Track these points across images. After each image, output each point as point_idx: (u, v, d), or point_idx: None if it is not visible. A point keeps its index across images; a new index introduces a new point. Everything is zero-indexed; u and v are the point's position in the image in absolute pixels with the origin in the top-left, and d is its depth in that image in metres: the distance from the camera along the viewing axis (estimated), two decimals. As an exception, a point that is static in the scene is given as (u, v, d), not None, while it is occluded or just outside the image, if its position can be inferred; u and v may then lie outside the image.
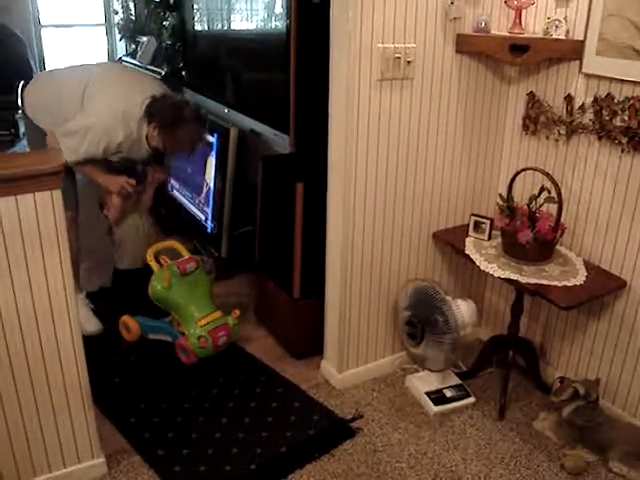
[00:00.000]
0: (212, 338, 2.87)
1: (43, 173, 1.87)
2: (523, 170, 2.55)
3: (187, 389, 2.79)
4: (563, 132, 2.59)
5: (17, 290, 1.95)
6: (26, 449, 2.13)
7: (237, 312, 3.02)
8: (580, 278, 2.44)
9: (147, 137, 2.90)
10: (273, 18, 3.02)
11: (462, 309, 2.59)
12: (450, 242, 2.78)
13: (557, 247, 2.57)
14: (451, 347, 2.60)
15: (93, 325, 3.16)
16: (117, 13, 6.73)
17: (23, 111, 3.06)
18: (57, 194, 1.93)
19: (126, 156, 2.98)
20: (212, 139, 3.46)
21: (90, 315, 3.20)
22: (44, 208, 1.91)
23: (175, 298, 2.95)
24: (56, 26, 7.63)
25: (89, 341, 2.94)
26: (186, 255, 3.09)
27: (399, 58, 2.41)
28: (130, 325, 3.09)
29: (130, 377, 2.87)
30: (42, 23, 7.47)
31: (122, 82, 3.03)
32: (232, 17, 3.57)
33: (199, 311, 2.95)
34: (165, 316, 3.11)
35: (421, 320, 2.65)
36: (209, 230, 3.57)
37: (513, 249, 2.51)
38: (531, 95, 2.68)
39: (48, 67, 7.58)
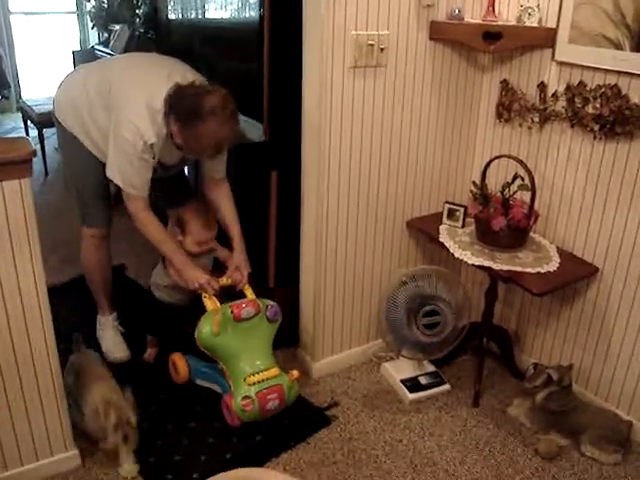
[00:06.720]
0: (259, 401, 2.38)
1: (10, 161, 1.84)
2: (497, 157, 2.56)
3: (162, 379, 2.76)
4: (536, 119, 2.61)
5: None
6: (-3, 442, 2.11)
7: (295, 373, 2.49)
8: (553, 265, 2.46)
9: (172, 134, 2.39)
10: (247, 6, 2.99)
11: None
12: (424, 229, 2.79)
13: (530, 234, 2.59)
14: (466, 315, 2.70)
15: (121, 352, 2.88)
16: (89, 1, 6.62)
17: (55, 117, 2.69)
18: (26, 183, 1.89)
19: (159, 159, 2.48)
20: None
21: (119, 340, 2.92)
22: (13, 198, 1.88)
23: (225, 347, 2.45)
24: (26, 13, 7.51)
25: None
26: (249, 296, 2.60)
27: (372, 45, 2.40)
28: (179, 366, 2.71)
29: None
30: (11, 10, 7.33)
31: (146, 72, 2.55)
32: (206, 5, 3.53)
33: (251, 366, 2.45)
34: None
35: (441, 306, 2.64)
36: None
37: (487, 236, 2.53)
38: (504, 83, 2.69)
39: (18, 55, 7.47)
